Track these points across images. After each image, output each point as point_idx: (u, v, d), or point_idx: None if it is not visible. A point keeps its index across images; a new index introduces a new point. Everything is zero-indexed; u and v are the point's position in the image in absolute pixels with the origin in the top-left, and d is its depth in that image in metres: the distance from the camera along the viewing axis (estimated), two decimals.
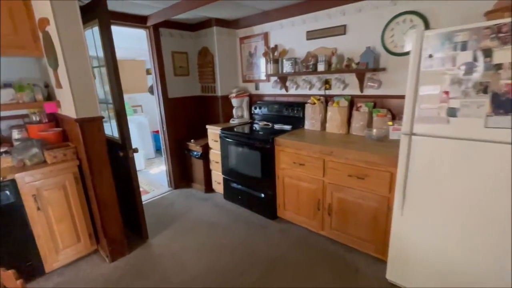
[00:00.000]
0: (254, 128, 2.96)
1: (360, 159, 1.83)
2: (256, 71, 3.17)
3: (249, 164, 2.67)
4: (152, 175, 4.23)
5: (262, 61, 3.06)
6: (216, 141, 2.99)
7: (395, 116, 2.18)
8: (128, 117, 4.84)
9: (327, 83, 2.59)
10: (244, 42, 3.20)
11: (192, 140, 3.29)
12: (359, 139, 2.16)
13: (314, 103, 2.56)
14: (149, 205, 3.09)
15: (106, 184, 1.97)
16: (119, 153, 2.09)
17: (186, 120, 3.44)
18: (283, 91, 2.96)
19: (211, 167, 3.22)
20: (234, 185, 2.92)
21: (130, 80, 5.79)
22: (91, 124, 1.82)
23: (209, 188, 3.33)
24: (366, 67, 2.16)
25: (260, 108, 3.13)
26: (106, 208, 2.00)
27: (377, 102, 2.29)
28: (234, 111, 3.24)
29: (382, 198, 1.79)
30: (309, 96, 2.69)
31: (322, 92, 2.65)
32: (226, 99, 3.25)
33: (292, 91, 2.90)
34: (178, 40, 3.18)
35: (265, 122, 3.02)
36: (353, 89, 2.40)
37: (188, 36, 3.27)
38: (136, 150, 2.16)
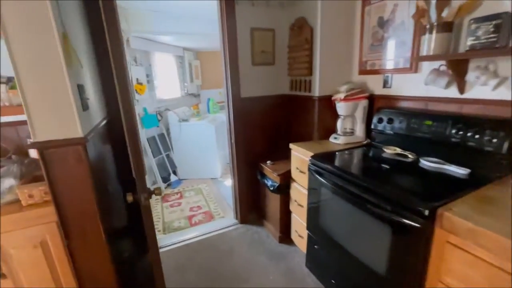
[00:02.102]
0: (376, 160, 1.58)
1: None
2: (389, 54, 1.74)
3: (360, 238, 1.35)
4: (226, 188, 3.47)
5: (407, 32, 1.60)
6: (303, 172, 1.80)
7: None
8: (212, 116, 4.30)
9: None
10: (370, 3, 1.81)
11: (268, 162, 2.21)
12: None
13: None
14: (203, 244, 2.25)
15: (95, 251, 1.15)
16: (126, 197, 1.22)
17: (264, 130, 2.39)
18: (453, 92, 1.42)
19: (292, 208, 2.06)
20: (324, 254, 1.66)
21: (213, 74, 5.27)
22: (62, 152, 0.99)
23: (286, 236, 2.19)
24: None
25: (390, 121, 1.69)
26: None
27: None
28: (339, 122, 1.93)
29: None
30: None
31: None
32: (327, 103, 1.98)
33: (475, 91, 1.33)
34: (262, 10, 2.12)
35: (398, 150, 1.58)
36: None
37: (277, 4, 2.15)
38: (157, 192, 1.26)
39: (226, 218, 2.69)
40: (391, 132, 1.69)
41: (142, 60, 3.43)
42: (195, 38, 3.76)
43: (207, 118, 3.99)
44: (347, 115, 1.90)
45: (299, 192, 1.89)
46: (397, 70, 1.71)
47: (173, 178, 3.66)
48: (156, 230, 2.60)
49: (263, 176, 2.24)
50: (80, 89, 1.08)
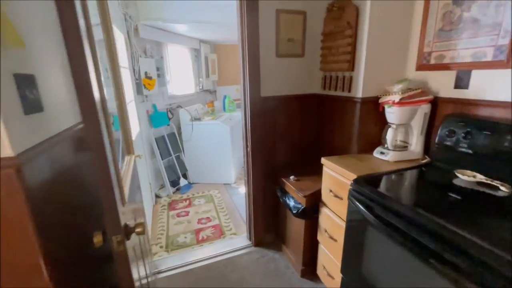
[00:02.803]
0: (445, 190, 1.12)
1: None
2: (468, 42, 1.25)
3: None
4: (239, 196, 3.09)
5: (504, 9, 1.11)
6: (339, 197, 1.37)
7: None
8: (228, 114, 3.94)
9: None
10: None
11: (292, 177, 1.79)
12: None
13: None
14: (210, 271, 1.89)
15: None
16: (91, 240, 0.85)
17: (288, 137, 1.97)
18: None
19: (320, 238, 1.63)
20: None
21: (231, 69, 4.89)
22: None
23: (310, 270, 1.77)
24: None
25: (467, 135, 1.22)
26: None
27: None
28: (389, 133, 1.47)
29: None
30: None
31: None
32: (372, 106, 1.53)
33: None
34: None
35: (481, 177, 1.11)
36: None
37: None
38: (140, 231, 0.89)
39: (238, 238, 2.31)
40: (469, 151, 1.21)
41: (153, 52, 3.12)
42: (213, 29, 3.39)
43: (222, 117, 3.62)
44: (401, 124, 1.44)
45: (332, 221, 1.46)
46: (481, 65, 1.23)
47: (182, 182, 3.34)
48: (158, 246, 2.31)
49: (284, 193, 1.83)
50: (22, 80, 0.71)
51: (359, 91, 1.52)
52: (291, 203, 1.73)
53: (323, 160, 1.51)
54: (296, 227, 1.79)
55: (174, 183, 3.35)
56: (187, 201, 3.08)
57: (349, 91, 1.59)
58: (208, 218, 2.71)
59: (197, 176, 3.59)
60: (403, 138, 1.48)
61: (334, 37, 1.64)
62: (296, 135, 1.98)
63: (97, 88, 0.83)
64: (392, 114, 1.41)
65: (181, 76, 3.87)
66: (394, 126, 1.45)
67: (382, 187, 1.18)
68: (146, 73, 2.82)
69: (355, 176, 1.24)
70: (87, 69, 0.76)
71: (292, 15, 1.73)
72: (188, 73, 4.07)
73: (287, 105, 1.89)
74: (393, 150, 1.45)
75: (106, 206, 0.79)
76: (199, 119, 3.44)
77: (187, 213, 2.82)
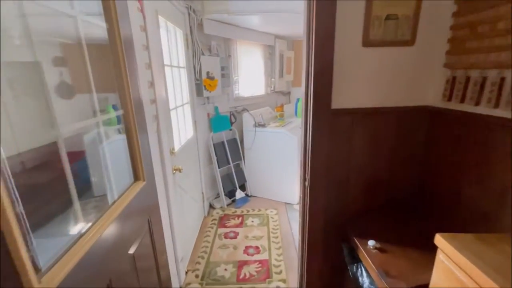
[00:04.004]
0: None
1: None
2: None
3: None
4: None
5: None
6: None
7: None
8: (299, 121, 3.36)
9: None
10: None
11: (372, 242, 1.10)
12: None
13: None
14: None
15: None
16: None
17: (369, 172, 1.27)
18: None
19: None
20: None
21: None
22: None
23: None
24: None
25: None
26: None
27: None
28: None
29: None
30: None
31: None
32: None
33: None
34: None
35: None
36: None
37: None
38: None
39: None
40: None
41: (219, 50, 2.85)
42: (291, 20, 2.86)
43: (290, 125, 3.08)
44: None
45: None
46: None
47: (239, 194, 2.99)
48: (193, 274, 1.96)
49: (355, 261, 1.16)
50: None
51: None
52: (365, 282, 1.06)
53: (440, 241, 0.79)
54: None
55: (231, 194, 3.04)
56: (240, 219, 2.70)
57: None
58: (257, 248, 2.24)
59: (256, 189, 3.18)
60: None
61: (483, 5, 0.86)
62: (384, 170, 1.27)
63: None
64: None
65: (250, 76, 3.52)
66: None
67: None
68: (208, 73, 2.56)
69: None
70: None
71: None
72: (259, 73, 3.69)
73: (373, 123, 1.20)
74: None
75: None
76: (263, 126, 3.00)
77: (236, 235, 2.43)
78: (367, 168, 1.26)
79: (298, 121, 3.26)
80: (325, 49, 1.09)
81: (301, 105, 3.55)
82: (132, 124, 0.99)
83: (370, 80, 1.15)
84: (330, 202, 1.30)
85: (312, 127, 1.19)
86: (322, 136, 1.20)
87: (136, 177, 1.05)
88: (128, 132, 0.99)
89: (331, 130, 1.20)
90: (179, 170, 1.75)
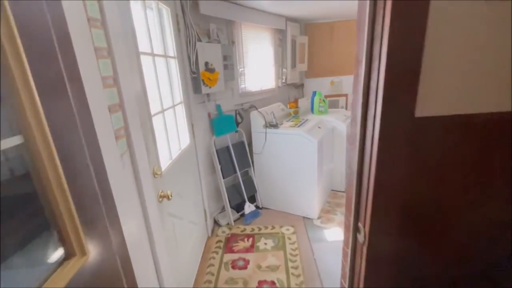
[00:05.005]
0: None
1: None
2: None
3: None
4: (325, 245, 2.05)
5: None
6: None
7: None
8: (317, 118, 2.78)
9: None
10: None
11: None
12: None
13: None
14: None
15: None
16: None
17: (480, 217, 0.77)
18: None
19: None
20: None
21: (326, 56, 3.66)
22: None
23: None
24: None
25: None
26: None
27: None
28: None
29: None
30: None
31: None
32: None
33: None
34: None
35: None
36: None
37: None
38: None
39: None
40: None
41: (220, 35, 2.34)
42: None
43: (307, 124, 2.58)
44: None
45: None
46: None
47: (248, 208, 2.52)
48: None
49: None
50: None
51: None
52: None
53: None
54: None
55: (238, 207, 2.59)
56: (250, 240, 2.24)
57: None
58: (273, 283, 1.79)
59: (268, 200, 2.72)
60: None
61: None
62: (498, 213, 0.76)
63: None
64: None
65: (258, 67, 3.00)
66: None
67: None
68: (207, 64, 2.06)
69: None
70: None
71: None
72: (268, 63, 3.17)
73: (491, 140, 0.70)
74: None
75: None
76: (275, 126, 2.51)
77: (246, 264, 1.98)
78: (474, 210, 0.76)
79: (316, 119, 2.75)
80: (397, 30, 0.58)
81: (318, 100, 3.02)
82: (47, 156, 0.51)
83: (492, 65, 0.64)
84: (404, 272, 0.81)
85: (377, 145, 0.69)
86: (392, 160, 0.71)
87: (69, 251, 0.59)
88: (39, 175, 0.52)
89: (412, 151, 0.70)
90: (167, 198, 1.28)
